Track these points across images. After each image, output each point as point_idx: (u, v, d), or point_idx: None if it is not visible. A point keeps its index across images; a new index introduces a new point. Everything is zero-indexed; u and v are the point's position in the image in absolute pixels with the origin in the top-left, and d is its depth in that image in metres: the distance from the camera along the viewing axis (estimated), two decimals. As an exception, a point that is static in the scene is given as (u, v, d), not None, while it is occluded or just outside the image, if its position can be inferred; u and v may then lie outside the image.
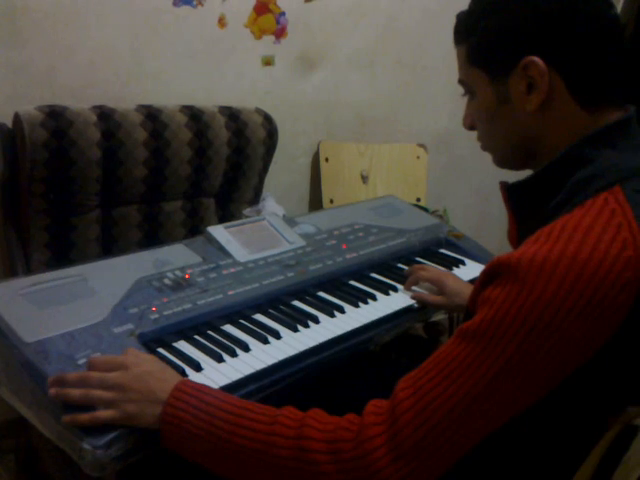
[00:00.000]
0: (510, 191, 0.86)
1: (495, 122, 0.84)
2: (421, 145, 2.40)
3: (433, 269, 1.34)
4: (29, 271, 1.54)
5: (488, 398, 0.68)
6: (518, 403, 0.70)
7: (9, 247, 1.58)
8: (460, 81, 0.88)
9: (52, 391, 0.84)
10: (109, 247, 1.67)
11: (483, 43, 0.82)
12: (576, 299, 0.65)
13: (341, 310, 1.20)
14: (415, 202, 2.29)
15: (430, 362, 0.72)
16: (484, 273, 0.75)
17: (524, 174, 0.86)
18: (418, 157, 2.39)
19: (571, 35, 0.76)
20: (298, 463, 0.72)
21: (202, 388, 0.83)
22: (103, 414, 0.81)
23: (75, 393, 0.83)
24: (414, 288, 1.31)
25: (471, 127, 0.91)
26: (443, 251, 1.55)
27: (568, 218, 0.70)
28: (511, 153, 0.87)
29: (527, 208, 0.85)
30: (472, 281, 1.30)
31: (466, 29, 0.85)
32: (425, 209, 2.01)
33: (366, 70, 2.28)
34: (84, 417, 0.81)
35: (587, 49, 0.77)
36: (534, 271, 0.67)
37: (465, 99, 0.90)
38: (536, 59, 0.76)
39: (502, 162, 0.90)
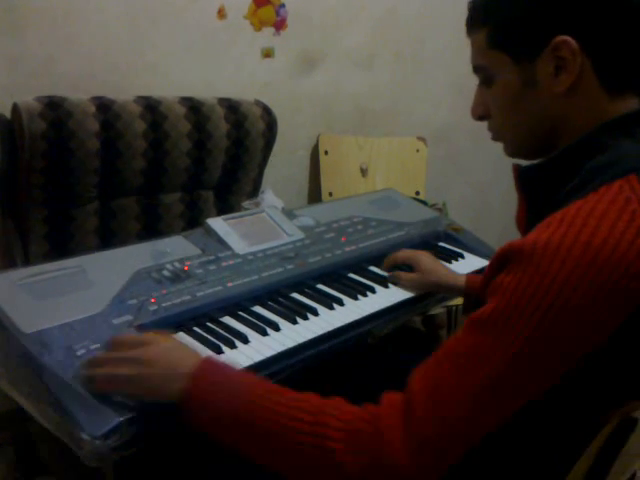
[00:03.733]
0: (523, 175, 0.85)
1: (518, 107, 0.82)
2: (420, 138, 2.40)
3: (407, 249, 1.37)
4: (27, 262, 1.54)
5: (502, 387, 0.68)
6: (532, 389, 0.70)
7: (7, 238, 1.57)
8: (476, 68, 0.86)
9: (83, 372, 0.85)
10: (108, 239, 1.67)
11: (508, 25, 0.79)
12: (588, 285, 0.65)
13: (340, 302, 1.20)
14: (414, 195, 2.29)
15: (442, 352, 0.72)
16: (495, 259, 0.74)
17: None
18: (417, 150, 2.39)
19: (603, 14, 0.75)
20: (314, 450, 0.71)
21: (226, 366, 0.83)
22: (127, 388, 0.83)
23: (101, 372, 0.84)
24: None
25: (480, 117, 0.89)
26: (442, 244, 1.55)
27: (582, 204, 0.69)
28: (531, 140, 0.85)
29: (539, 192, 0.83)
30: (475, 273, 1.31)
31: (486, 12, 0.82)
32: (424, 202, 2.01)
33: (366, 63, 2.28)
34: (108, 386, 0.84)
35: (619, 30, 0.75)
36: (548, 256, 0.66)
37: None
38: (568, 39, 0.74)
39: (518, 150, 0.88)
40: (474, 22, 0.84)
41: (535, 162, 0.84)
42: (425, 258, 1.31)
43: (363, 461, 0.69)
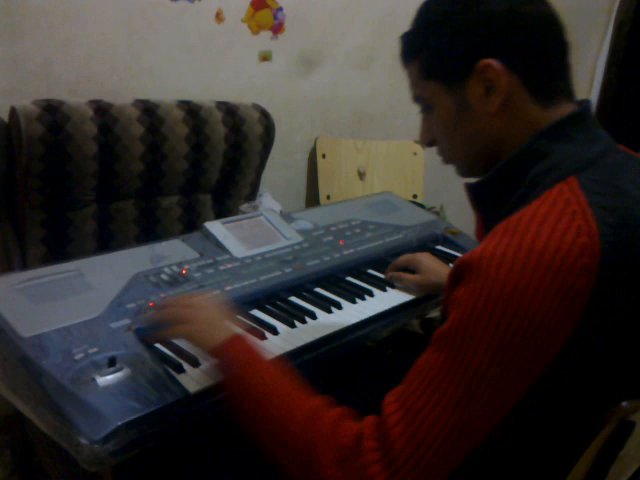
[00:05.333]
0: (472, 190, 0.88)
1: (457, 130, 0.85)
2: (418, 141, 2.40)
3: (410, 254, 1.37)
4: (25, 266, 1.54)
5: (471, 400, 0.68)
6: (502, 402, 0.70)
7: (5, 242, 1.57)
8: (415, 98, 0.89)
9: (149, 315, 1.00)
10: (106, 242, 1.67)
11: (436, 55, 0.83)
12: (537, 287, 0.66)
13: (338, 306, 1.20)
14: (412, 199, 2.29)
15: (412, 373, 0.73)
16: (450, 275, 0.76)
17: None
18: (415, 154, 2.39)
19: (518, 33, 0.78)
20: (304, 457, 0.73)
21: (259, 348, 0.88)
22: (179, 328, 0.94)
23: (157, 313, 0.97)
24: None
25: (429, 143, 0.92)
26: (440, 247, 1.56)
27: (524, 211, 0.71)
28: (476, 159, 0.87)
29: (489, 205, 0.86)
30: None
31: (415, 47, 0.86)
32: (422, 205, 2.02)
33: (363, 66, 2.28)
34: (164, 332, 0.96)
35: (537, 45, 0.78)
36: (494, 265, 0.68)
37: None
38: (491, 61, 0.77)
39: (468, 171, 0.91)
40: (406, 55, 0.88)
41: (481, 178, 0.86)
42: (426, 259, 1.32)
43: (347, 476, 0.70)
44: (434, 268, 1.30)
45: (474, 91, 0.80)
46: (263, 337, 1.07)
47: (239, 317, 1.01)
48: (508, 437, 0.77)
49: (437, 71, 0.83)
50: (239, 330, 0.91)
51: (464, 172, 0.91)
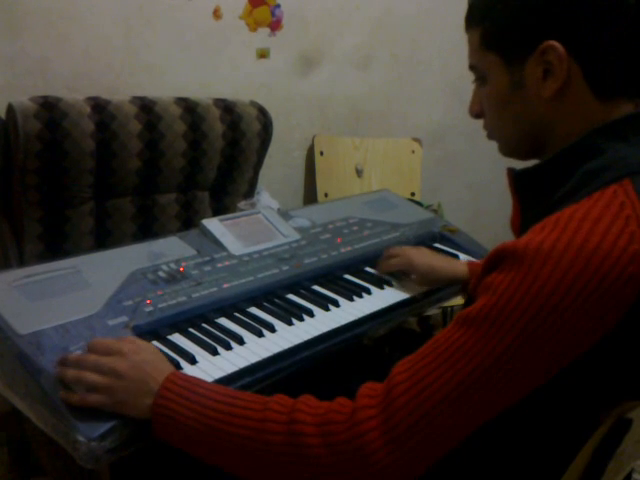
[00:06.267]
0: (517, 178, 0.86)
1: (507, 108, 0.83)
2: (416, 139, 2.40)
3: (399, 251, 1.34)
4: (22, 263, 1.53)
5: (485, 385, 0.68)
6: (514, 392, 0.70)
7: (2, 239, 1.57)
8: (471, 66, 0.87)
9: (56, 370, 0.85)
10: (103, 239, 1.66)
11: (500, 26, 0.80)
12: (580, 289, 0.65)
13: (336, 304, 1.20)
14: (410, 196, 2.30)
15: (428, 346, 0.72)
16: (488, 259, 0.74)
17: (526, 164, 0.85)
18: (413, 151, 2.39)
19: (592, 21, 0.75)
20: (290, 448, 0.72)
21: (193, 379, 0.83)
22: (93, 397, 0.82)
23: (70, 373, 0.84)
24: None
25: (477, 115, 0.90)
26: (437, 245, 1.56)
27: (576, 208, 0.69)
28: (520, 141, 0.86)
29: (533, 196, 0.84)
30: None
31: (481, 12, 0.83)
32: (420, 203, 2.02)
33: (361, 64, 2.28)
34: (75, 397, 0.82)
35: (608, 37, 0.75)
36: (540, 259, 0.67)
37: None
38: (556, 44, 0.75)
39: (509, 150, 0.89)
40: (471, 20, 0.85)
41: (529, 166, 0.84)
42: (417, 259, 1.29)
43: (337, 453, 0.69)
44: (428, 267, 1.27)
45: (532, 71, 0.78)
46: (178, 367, 0.95)
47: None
48: (505, 432, 0.77)
49: (498, 43, 0.81)
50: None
51: (506, 151, 0.89)
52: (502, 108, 0.84)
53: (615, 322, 0.67)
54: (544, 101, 0.79)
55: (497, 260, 0.72)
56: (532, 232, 0.70)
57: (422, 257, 1.30)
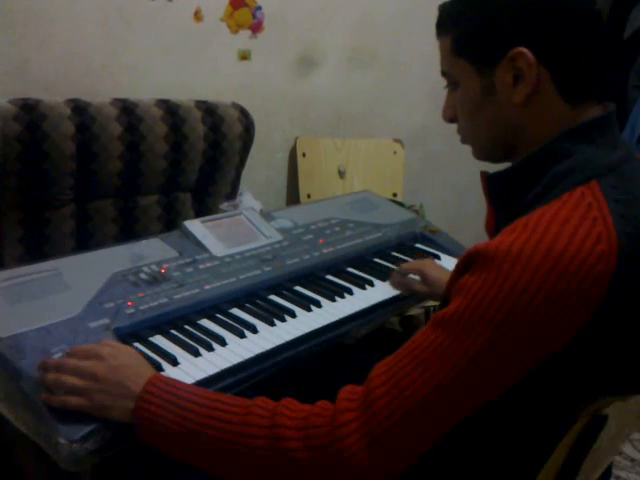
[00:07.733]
0: (490, 181, 0.87)
1: (479, 113, 0.85)
2: (397, 140, 2.41)
3: (416, 262, 1.36)
4: (2, 266, 1.52)
5: (461, 385, 0.69)
6: (490, 390, 0.71)
7: (-19, 242, 1.56)
8: (443, 73, 0.88)
9: (37, 375, 0.85)
10: (84, 242, 1.65)
11: (470, 33, 0.82)
12: (549, 289, 0.66)
13: (318, 304, 1.21)
14: (391, 197, 2.31)
15: (405, 349, 0.73)
16: (461, 261, 0.76)
17: (503, 166, 0.86)
18: (395, 152, 2.40)
19: (560, 28, 0.77)
20: (272, 452, 0.73)
21: (174, 382, 0.84)
22: (74, 400, 0.82)
23: (50, 377, 0.84)
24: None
25: (451, 119, 0.91)
26: (419, 246, 1.57)
27: (545, 210, 0.71)
28: (492, 145, 0.87)
29: (505, 198, 0.85)
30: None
31: (451, 19, 0.84)
32: (401, 204, 2.03)
33: (342, 65, 2.29)
34: (56, 399, 0.82)
35: (575, 43, 0.77)
36: (510, 260, 0.68)
37: (444, 93, 0.91)
38: (525, 50, 0.76)
39: (482, 154, 0.90)
40: (441, 28, 0.87)
41: (501, 169, 0.86)
42: (430, 270, 1.29)
43: (319, 456, 0.71)
44: (440, 280, 1.24)
45: (502, 78, 0.79)
46: (160, 368, 0.95)
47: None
48: (482, 429, 0.78)
49: (469, 51, 0.82)
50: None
51: (479, 155, 0.91)
52: (474, 113, 0.85)
53: (585, 320, 0.68)
54: (515, 106, 0.80)
55: (469, 262, 0.74)
56: (503, 234, 0.72)
57: (434, 269, 1.29)
